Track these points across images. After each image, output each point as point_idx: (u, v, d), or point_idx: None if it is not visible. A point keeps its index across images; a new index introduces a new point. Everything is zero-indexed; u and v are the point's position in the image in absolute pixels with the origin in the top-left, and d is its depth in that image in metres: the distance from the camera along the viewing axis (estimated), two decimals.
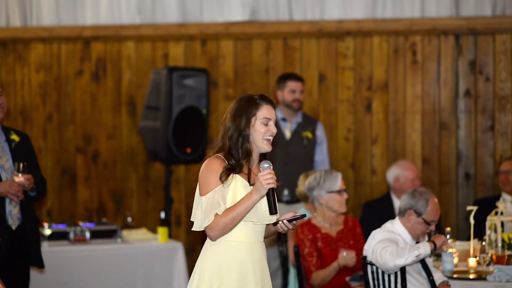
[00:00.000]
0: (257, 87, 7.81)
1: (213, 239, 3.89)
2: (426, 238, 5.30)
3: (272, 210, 3.84)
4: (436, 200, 5.20)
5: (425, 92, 7.71)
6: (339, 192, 5.66)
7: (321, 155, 7.17)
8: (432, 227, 5.15)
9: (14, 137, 5.52)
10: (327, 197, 5.68)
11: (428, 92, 7.70)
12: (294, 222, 3.87)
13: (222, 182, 3.83)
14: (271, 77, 7.79)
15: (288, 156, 7.00)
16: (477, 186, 7.65)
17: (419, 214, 5.12)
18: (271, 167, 3.84)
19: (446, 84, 7.67)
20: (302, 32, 7.78)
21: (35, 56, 8.08)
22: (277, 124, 6.95)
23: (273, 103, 3.96)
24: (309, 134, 7.09)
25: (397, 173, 6.87)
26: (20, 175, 5.38)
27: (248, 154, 3.89)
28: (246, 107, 3.89)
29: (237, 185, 3.86)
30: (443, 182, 7.68)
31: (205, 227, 3.87)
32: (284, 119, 7.08)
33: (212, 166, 3.87)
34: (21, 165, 5.39)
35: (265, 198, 3.85)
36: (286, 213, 3.94)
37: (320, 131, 7.19)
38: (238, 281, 3.88)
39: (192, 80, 7.42)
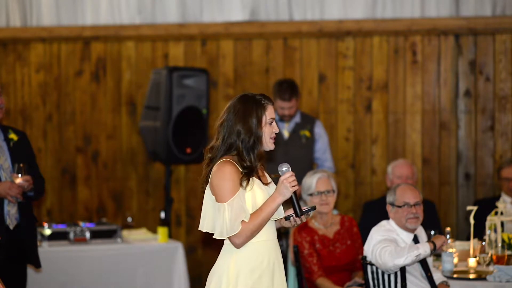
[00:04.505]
0: (257, 87, 7.81)
1: (239, 246, 3.82)
2: (423, 232, 5.31)
3: (297, 212, 3.84)
4: (407, 187, 5.24)
5: (425, 92, 7.71)
6: (312, 195, 5.68)
7: (319, 151, 7.15)
8: (414, 209, 5.14)
9: (13, 136, 5.52)
10: (308, 200, 5.72)
11: (428, 92, 7.70)
12: (306, 214, 3.86)
13: (244, 188, 3.80)
14: (271, 77, 7.79)
15: (287, 156, 6.99)
16: (477, 186, 7.64)
17: (392, 205, 5.17)
18: (290, 169, 3.85)
19: (446, 84, 7.67)
20: (302, 32, 7.78)
21: (35, 56, 8.08)
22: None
23: (273, 102, 3.98)
24: (307, 133, 7.08)
25: (388, 171, 6.87)
26: (20, 176, 5.38)
27: (261, 157, 3.91)
28: (254, 108, 3.87)
29: (254, 187, 3.84)
30: (443, 182, 7.68)
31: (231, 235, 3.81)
32: (281, 120, 7.07)
33: (225, 172, 3.80)
34: (21, 166, 5.39)
35: None
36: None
37: (319, 129, 7.17)
38: (268, 279, 3.87)
39: (192, 80, 7.42)
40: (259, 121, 3.86)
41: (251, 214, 3.80)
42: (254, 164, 3.85)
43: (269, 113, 3.90)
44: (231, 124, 3.87)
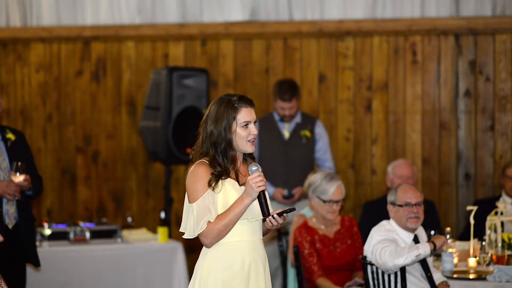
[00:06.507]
0: (257, 87, 7.82)
1: (208, 246, 3.86)
2: (423, 232, 5.31)
3: (265, 213, 3.82)
4: (408, 186, 5.24)
5: (425, 92, 7.71)
6: (325, 202, 5.66)
7: (320, 151, 7.14)
8: (415, 209, 5.14)
9: (10, 136, 5.53)
10: (316, 201, 5.70)
11: (428, 92, 7.70)
12: (284, 215, 3.83)
13: (213, 189, 3.81)
14: (271, 77, 7.79)
15: (287, 156, 7.00)
16: (477, 186, 7.64)
17: (393, 204, 5.18)
18: (260, 169, 3.82)
19: (446, 84, 7.67)
20: (302, 32, 7.78)
21: (35, 56, 8.08)
22: (274, 125, 7.01)
23: (253, 103, 3.92)
24: (307, 133, 7.08)
25: (388, 170, 6.87)
26: (17, 174, 5.39)
27: (233, 160, 3.87)
28: (226, 111, 3.84)
29: (227, 188, 3.84)
30: (443, 182, 7.68)
31: (198, 234, 3.83)
32: (282, 120, 7.06)
33: (198, 173, 3.83)
34: (19, 164, 5.40)
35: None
36: (276, 209, 3.91)
37: (319, 129, 7.16)
38: (242, 281, 3.86)
39: (192, 80, 7.42)
40: (229, 125, 3.84)
41: (219, 215, 3.81)
42: (226, 166, 3.84)
43: (243, 115, 3.85)
44: (207, 126, 3.90)
